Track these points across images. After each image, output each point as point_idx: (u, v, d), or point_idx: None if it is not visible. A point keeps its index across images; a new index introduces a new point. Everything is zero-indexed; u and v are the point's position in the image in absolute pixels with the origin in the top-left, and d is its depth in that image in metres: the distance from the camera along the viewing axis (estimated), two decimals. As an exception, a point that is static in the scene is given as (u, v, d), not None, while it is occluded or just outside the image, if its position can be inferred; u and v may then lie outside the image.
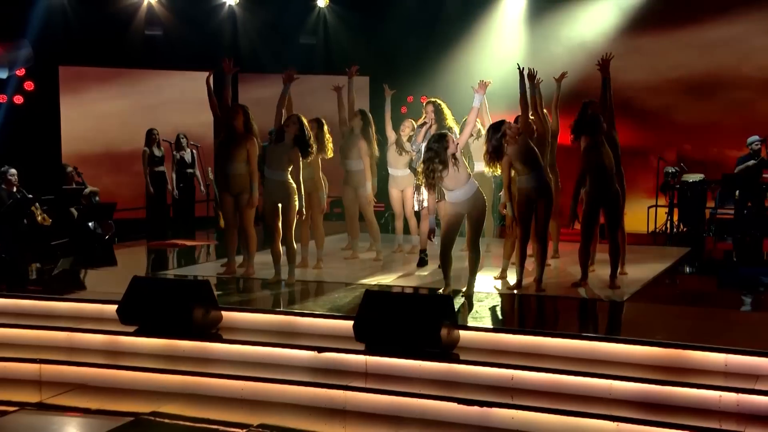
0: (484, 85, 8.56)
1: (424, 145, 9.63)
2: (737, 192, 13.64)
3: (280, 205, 8.98)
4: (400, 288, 8.93)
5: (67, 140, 15.84)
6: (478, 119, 10.22)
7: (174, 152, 14.08)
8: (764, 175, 13.50)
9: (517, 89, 8.88)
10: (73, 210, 12.35)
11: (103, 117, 16.18)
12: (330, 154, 10.02)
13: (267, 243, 9.97)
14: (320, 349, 7.26)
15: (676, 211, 14.19)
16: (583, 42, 15.36)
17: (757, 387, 6.27)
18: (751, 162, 13.47)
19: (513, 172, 8.73)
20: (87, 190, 13.03)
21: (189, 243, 12.60)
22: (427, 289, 8.74)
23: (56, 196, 12.08)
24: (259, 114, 15.34)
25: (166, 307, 7.62)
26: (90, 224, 12.55)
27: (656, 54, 15.55)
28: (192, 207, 14.43)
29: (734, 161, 14.05)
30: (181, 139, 14.15)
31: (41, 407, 7.08)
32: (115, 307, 8.06)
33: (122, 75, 16.51)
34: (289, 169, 8.93)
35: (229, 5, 16.94)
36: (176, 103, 16.68)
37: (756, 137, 13.57)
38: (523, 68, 8.91)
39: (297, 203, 8.96)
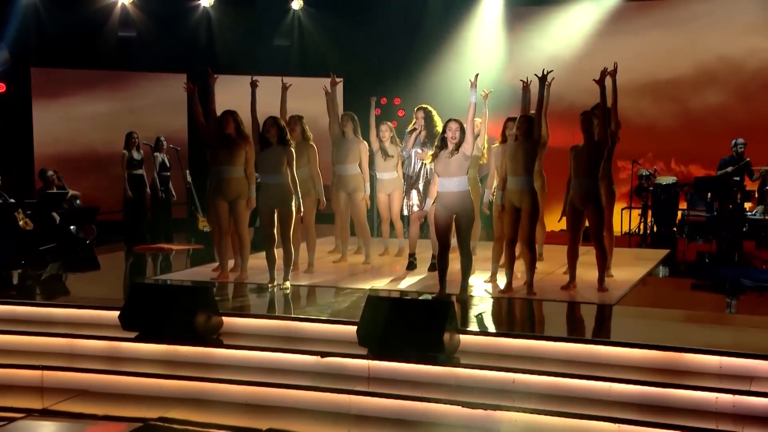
0: (477, 79, 8.66)
1: (414, 151, 9.87)
2: (709, 194, 13.99)
3: (276, 210, 9.08)
4: (393, 292, 9.06)
5: (40, 143, 15.78)
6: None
7: (155, 154, 14.12)
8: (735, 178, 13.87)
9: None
10: (54, 214, 12.29)
11: (77, 119, 16.12)
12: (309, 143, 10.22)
13: (257, 247, 10.09)
14: (323, 354, 7.38)
15: (649, 212, 14.52)
16: (558, 46, 15.65)
17: (753, 389, 6.48)
18: (730, 168, 13.83)
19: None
20: (68, 194, 13.01)
21: (175, 247, 12.63)
22: (425, 294, 8.88)
23: (40, 201, 12.04)
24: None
25: (169, 313, 7.68)
26: (72, 228, 12.52)
27: (627, 57, 15.84)
28: (169, 209, 14.49)
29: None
30: (162, 142, 14.19)
31: (47, 413, 7.12)
32: (113, 313, 8.18)
33: (96, 77, 16.45)
34: (287, 170, 9.05)
35: (204, 7, 16.94)
36: (150, 105, 16.69)
37: (740, 139, 13.93)
38: (546, 73, 9.01)
39: (294, 206, 9.07)
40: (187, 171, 14.99)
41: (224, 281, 9.55)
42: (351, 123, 10.47)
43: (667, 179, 14.39)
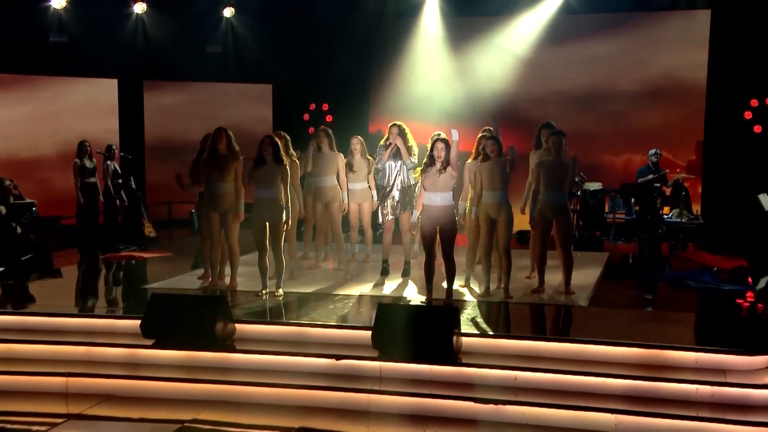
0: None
1: (388, 163, 10.56)
2: (633, 200, 15.14)
3: (268, 223, 9.64)
4: (388, 299, 9.73)
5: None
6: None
7: (107, 162, 14.41)
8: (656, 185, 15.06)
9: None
10: (14, 224, 12.45)
11: (4, 123, 16.18)
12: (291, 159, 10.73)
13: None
14: (338, 357, 8.01)
15: (575, 216, 15.55)
16: (500, 57, 16.66)
17: (728, 380, 7.42)
18: (651, 176, 14.99)
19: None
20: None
21: (145, 255, 12.98)
22: (415, 299, 9.63)
23: (6, 211, 12.21)
24: (167, 121, 16.10)
25: (189, 322, 8.20)
26: (31, 237, 12.69)
27: (541, 68, 16.91)
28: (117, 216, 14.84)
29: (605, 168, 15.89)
30: (113, 150, 14.50)
31: (84, 418, 7.53)
32: (123, 321, 8.73)
33: (25, 81, 16.54)
34: (280, 186, 9.61)
35: (137, 14, 17.18)
36: (81, 110, 16.91)
37: (655, 149, 15.13)
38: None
39: (284, 219, 9.65)
40: (132, 178, 15.32)
41: (215, 289, 10.05)
42: (327, 138, 11.08)
43: (594, 185, 15.43)
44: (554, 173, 9.69)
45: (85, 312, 9.16)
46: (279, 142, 9.79)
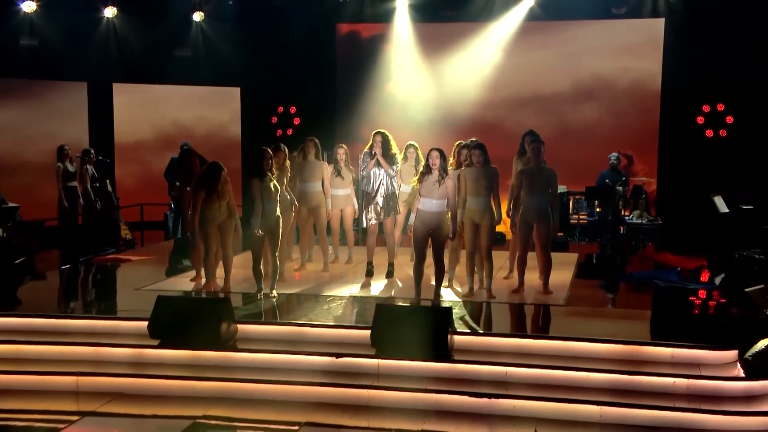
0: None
1: (373, 171, 11.00)
2: (596, 202, 15.78)
3: (270, 232, 10.12)
4: (382, 299, 10.16)
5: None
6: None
7: (84, 166, 14.67)
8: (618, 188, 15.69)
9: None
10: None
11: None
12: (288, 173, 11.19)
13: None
14: (338, 355, 8.45)
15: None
16: (457, 63, 17.22)
17: (702, 373, 8.03)
18: (607, 179, 15.65)
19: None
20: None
21: (134, 258, 13.28)
22: (404, 300, 10.08)
23: (-2, 215, 12.51)
24: (136, 122, 16.26)
25: (195, 322, 8.60)
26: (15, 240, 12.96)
27: (510, 74, 17.51)
28: (99, 219, 15.08)
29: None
30: (91, 154, 14.77)
31: (99, 415, 7.84)
32: (128, 322, 9.12)
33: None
34: (276, 197, 10.10)
35: (108, 18, 17.40)
36: (51, 113, 17.12)
37: (615, 153, 15.78)
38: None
39: (281, 227, 10.15)
40: (108, 181, 15.59)
41: (211, 291, 10.43)
42: (314, 148, 11.53)
43: (559, 188, 15.99)
44: (535, 180, 10.23)
45: (89, 314, 9.49)
46: (271, 155, 10.21)
